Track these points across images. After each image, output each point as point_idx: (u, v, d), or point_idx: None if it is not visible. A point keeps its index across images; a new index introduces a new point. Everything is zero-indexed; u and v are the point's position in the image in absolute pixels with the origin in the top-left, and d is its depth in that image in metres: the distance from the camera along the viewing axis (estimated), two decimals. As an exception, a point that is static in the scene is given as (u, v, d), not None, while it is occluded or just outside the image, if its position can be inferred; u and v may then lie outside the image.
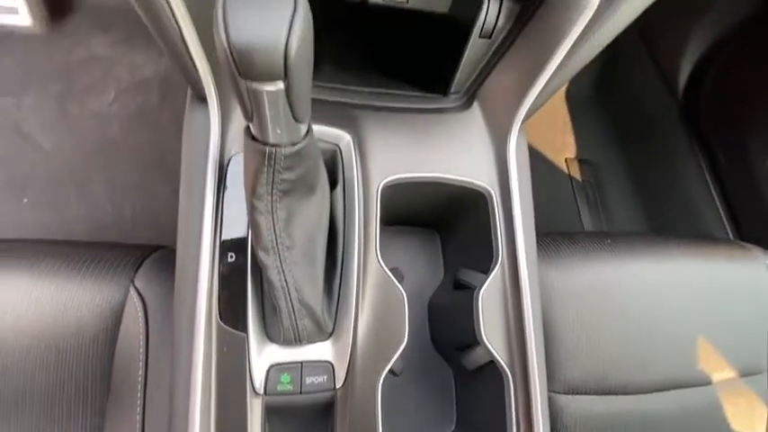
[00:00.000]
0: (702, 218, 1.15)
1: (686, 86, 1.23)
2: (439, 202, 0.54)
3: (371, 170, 0.46)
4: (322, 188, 0.39)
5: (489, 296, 0.46)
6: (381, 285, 0.43)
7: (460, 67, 0.50)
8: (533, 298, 0.46)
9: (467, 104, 0.52)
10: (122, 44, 1.13)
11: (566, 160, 1.39)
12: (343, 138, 0.47)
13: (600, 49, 0.45)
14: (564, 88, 1.44)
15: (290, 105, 0.27)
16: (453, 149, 0.50)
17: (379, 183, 0.46)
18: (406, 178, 0.48)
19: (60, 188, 0.97)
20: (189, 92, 0.44)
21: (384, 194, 0.47)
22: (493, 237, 0.48)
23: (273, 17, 0.23)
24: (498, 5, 0.45)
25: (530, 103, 0.47)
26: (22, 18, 1.08)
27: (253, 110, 0.27)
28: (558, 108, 1.43)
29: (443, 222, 0.60)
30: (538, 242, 0.52)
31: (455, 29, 0.50)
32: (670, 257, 0.68)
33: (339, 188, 0.45)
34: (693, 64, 1.21)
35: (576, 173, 1.37)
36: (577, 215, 1.29)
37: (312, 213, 0.38)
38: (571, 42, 0.43)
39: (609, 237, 0.69)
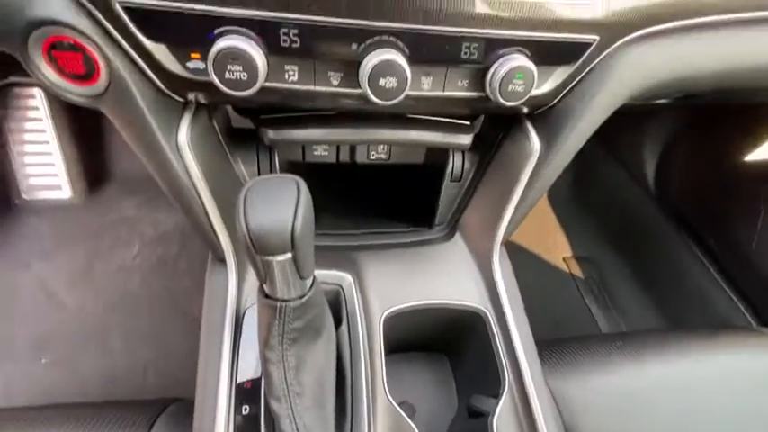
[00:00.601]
0: (713, 303, 1.14)
1: (656, 178, 1.35)
2: (440, 327, 0.57)
3: (372, 304, 0.51)
4: (328, 331, 0.43)
5: (503, 423, 0.46)
6: (392, 425, 0.44)
7: (439, 206, 0.58)
8: (547, 418, 0.46)
9: (450, 234, 0.60)
10: (147, 204, 1.28)
11: (564, 259, 1.43)
12: (345, 278, 0.52)
13: (554, 178, 0.54)
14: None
15: (297, 269, 0.33)
16: (444, 276, 0.55)
17: (380, 315, 0.50)
18: (405, 308, 0.52)
19: (79, 346, 1.00)
20: (210, 255, 0.51)
21: (387, 325, 0.50)
22: (496, 358, 0.50)
23: (282, 206, 0.30)
24: (462, 156, 0.56)
25: (503, 228, 0.54)
26: (64, 192, 1.25)
27: (266, 274, 0.33)
28: (545, 210, 1.54)
29: (449, 345, 0.62)
30: (550, 351, 0.53)
31: (431, 174, 0.60)
32: (689, 354, 0.67)
33: (344, 325, 0.49)
34: (656, 157, 1.35)
35: (576, 271, 1.40)
36: (588, 314, 1.28)
37: (320, 357, 0.41)
38: (526, 178, 0.52)
39: (622, 338, 0.69)
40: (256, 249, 0.30)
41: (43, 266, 1.13)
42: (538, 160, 0.49)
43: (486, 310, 0.53)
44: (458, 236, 0.59)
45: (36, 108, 1.16)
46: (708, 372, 0.65)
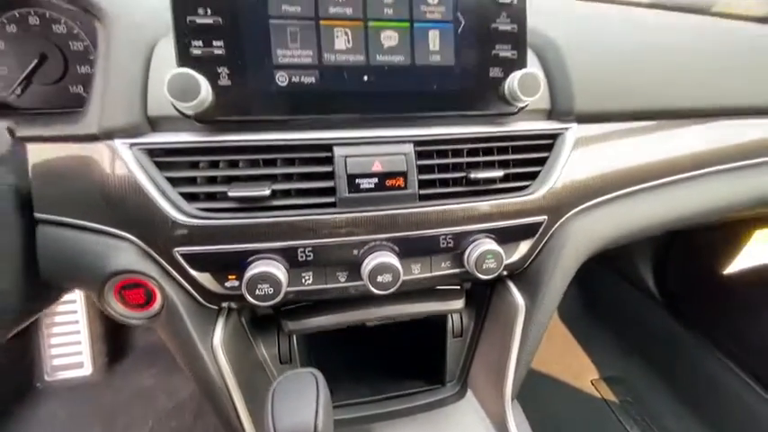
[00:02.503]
0: (751, 406, 1.06)
1: (656, 284, 1.38)
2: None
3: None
4: None
5: None
6: None
7: (447, 361, 0.62)
8: None
9: (462, 392, 0.62)
10: (165, 372, 1.29)
11: (592, 383, 1.36)
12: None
13: (545, 326, 0.59)
14: (556, 315, 1.57)
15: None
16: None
17: None
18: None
19: None
20: None
21: None
22: None
23: (304, 406, 0.35)
24: (459, 315, 0.62)
25: (510, 384, 0.57)
26: (85, 369, 1.28)
27: None
28: (563, 333, 1.52)
29: None
30: None
31: (435, 331, 0.66)
32: None
33: None
34: (651, 263, 1.40)
35: (609, 395, 1.32)
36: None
37: None
38: (519, 330, 0.57)
39: None
40: None
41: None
42: (525, 315, 0.56)
43: None
44: (470, 393, 0.61)
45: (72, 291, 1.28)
46: None
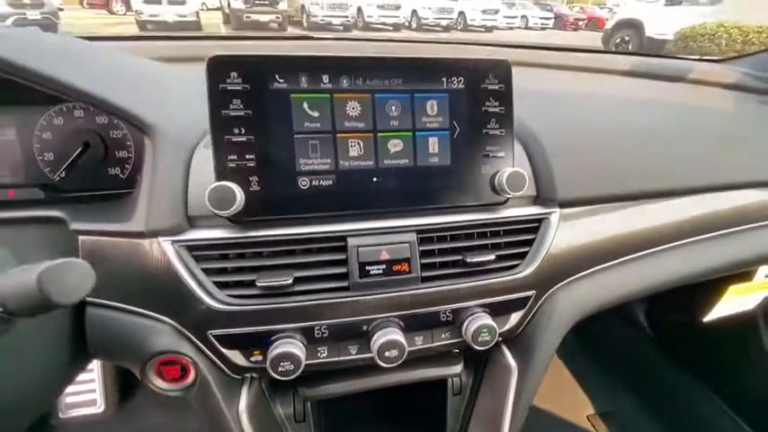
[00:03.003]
0: None
1: (648, 322, 1.44)
2: None
3: None
4: None
5: None
6: None
7: (447, 417, 0.68)
8: None
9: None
10: (174, 411, 1.34)
11: (588, 418, 1.40)
12: None
13: (537, 387, 0.64)
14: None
15: None
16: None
17: None
18: None
19: None
20: None
21: None
22: None
23: None
24: (459, 376, 0.68)
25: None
26: (98, 407, 1.32)
27: None
28: (558, 369, 1.57)
29: None
30: None
31: (437, 391, 0.71)
32: None
33: None
34: (644, 304, 1.46)
35: (603, 430, 1.36)
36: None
37: None
38: (513, 391, 0.63)
39: None
40: None
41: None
42: (518, 376, 0.62)
43: None
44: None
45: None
46: None
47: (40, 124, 0.63)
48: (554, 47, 1.02)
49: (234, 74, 0.46)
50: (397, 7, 13.45)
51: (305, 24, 12.59)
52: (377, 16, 13.13)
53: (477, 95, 0.54)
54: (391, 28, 13.78)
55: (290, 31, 12.28)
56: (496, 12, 15.56)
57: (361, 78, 0.50)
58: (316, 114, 0.49)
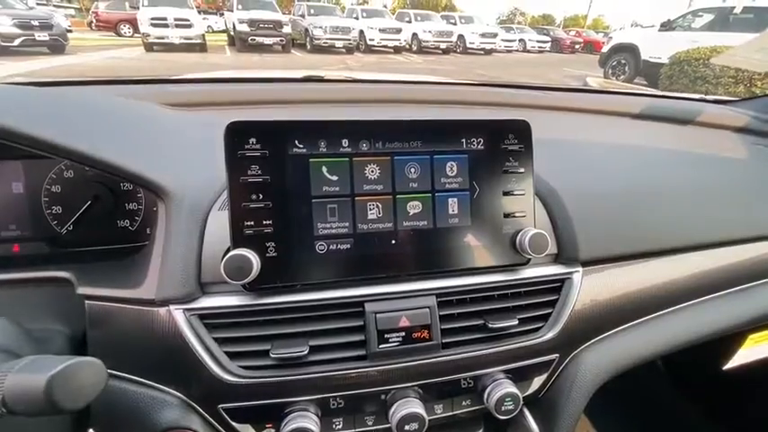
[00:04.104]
0: None
1: (665, 365, 1.40)
2: None
3: None
4: None
5: None
6: None
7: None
8: None
9: None
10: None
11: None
12: None
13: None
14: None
15: None
16: None
17: None
18: None
19: None
20: None
21: None
22: None
23: None
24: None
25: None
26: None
27: None
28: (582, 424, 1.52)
29: None
30: None
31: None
32: None
33: None
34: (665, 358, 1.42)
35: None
36: None
37: None
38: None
39: None
40: None
41: None
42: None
43: None
44: None
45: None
46: None
47: (50, 177, 0.61)
48: (569, 88, 1.02)
49: (252, 140, 0.45)
50: (398, 30, 13.77)
51: (308, 47, 12.86)
52: (378, 39, 13.43)
53: (496, 156, 0.53)
54: (392, 50, 14.07)
55: (293, 53, 12.55)
56: (495, 35, 15.94)
57: (380, 142, 0.49)
58: (335, 178, 0.48)
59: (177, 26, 11.08)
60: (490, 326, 0.52)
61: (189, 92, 0.85)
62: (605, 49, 9.96)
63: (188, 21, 11.21)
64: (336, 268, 0.49)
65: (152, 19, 10.86)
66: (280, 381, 0.47)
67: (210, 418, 0.48)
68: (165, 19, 10.92)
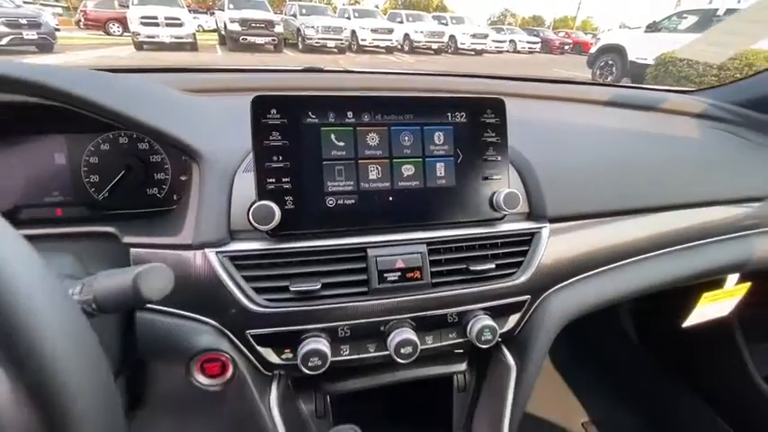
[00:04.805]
0: None
1: (637, 334, 1.52)
2: None
3: None
4: None
5: None
6: None
7: (454, 411, 0.75)
8: None
9: (466, 440, 0.74)
10: (179, 420, 1.36)
11: (583, 425, 1.46)
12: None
13: (533, 383, 0.72)
14: (549, 361, 1.69)
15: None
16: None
17: None
18: None
19: None
20: None
21: None
22: None
23: None
24: (463, 374, 0.75)
25: (506, 427, 0.69)
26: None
27: None
28: (554, 378, 1.64)
29: None
30: None
31: (444, 388, 0.78)
32: None
33: None
34: (631, 316, 1.55)
35: (599, 437, 1.43)
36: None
37: None
38: (512, 387, 0.70)
39: None
40: None
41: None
42: (516, 374, 0.69)
43: None
44: (473, 440, 0.73)
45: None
46: None
47: (89, 150, 0.70)
48: (544, 79, 1.13)
49: (273, 110, 0.55)
50: (390, 31, 13.89)
51: (300, 47, 12.91)
52: (370, 39, 13.53)
53: (476, 127, 0.63)
54: (384, 51, 14.18)
55: (286, 52, 12.58)
56: (486, 36, 16.15)
57: (379, 114, 0.59)
58: (341, 144, 0.58)
59: (168, 25, 11.04)
60: (471, 269, 0.62)
61: (204, 80, 0.94)
62: (593, 50, 10.17)
63: (179, 19, 11.18)
64: (343, 219, 0.59)
65: (142, 18, 10.80)
66: (297, 311, 0.57)
67: (239, 343, 0.57)
68: (155, 18, 10.88)
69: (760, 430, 1.18)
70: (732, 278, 0.95)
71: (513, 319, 0.68)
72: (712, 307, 0.99)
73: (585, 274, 0.72)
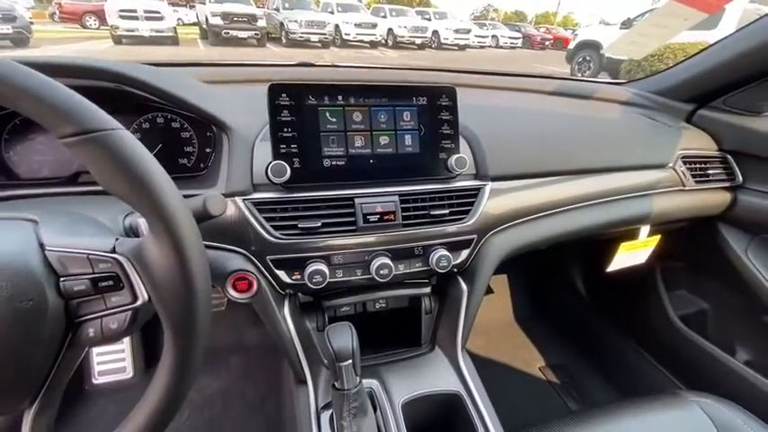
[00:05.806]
0: (652, 377, 1.46)
1: (585, 289, 1.79)
2: (435, 409, 0.89)
3: (393, 396, 0.84)
4: (370, 413, 0.75)
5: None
6: None
7: (422, 330, 0.97)
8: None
9: (431, 348, 0.97)
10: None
11: (539, 369, 1.72)
12: (374, 383, 0.87)
13: (479, 303, 0.95)
14: (512, 315, 1.94)
15: (354, 369, 0.69)
16: (433, 376, 0.90)
17: (399, 402, 0.83)
18: (413, 396, 0.85)
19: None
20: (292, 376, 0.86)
21: (404, 409, 0.82)
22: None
23: (346, 338, 0.69)
24: (429, 299, 0.98)
25: (460, 337, 0.92)
26: (127, 373, 1.53)
27: (338, 374, 0.69)
28: (516, 332, 1.89)
29: (446, 423, 0.92)
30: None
31: (414, 313, 1.01)
32: (628, 418, 0.91)
33: (378, 411, 0.81)
34: (580, 273, 1.82)
35: (552, 377, 1.68)
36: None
37: (370, 427, 0.73)
38: (464, 306, 0.93)
39: (579, 414, 0.96)
40: (336, 358, 0.68)
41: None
42: (467, 296, 0.92)
43: (461, 392, 0.86)
44: (437, 349, 0.96)
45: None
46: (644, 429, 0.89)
47: (132, 128, 0.89)
48: (492, 72, 1.36)
49: (284, 94, 0.76)
50: (374, 25, 14.00)
51: (284, 41, 12.92)
52: (354, 34, 13.62)
53: (434, 108, 0.85)
54: (368, 45, 14.30)
55: (269, 47, 12.56)
56: (469, 31, 16.42)
57: (362, 98, 0.80)
58: (334, 120, 0.79)
59: (147, 18, 10.88)
60: (432, 214, 0.84)
61: (212, 72, 1.13)
62: (572, 45, 10.50)
63: (159, 13, 11.04)
64: (337, 176, 0.80)
65: (120, 11, 10.62)
66: (303, 242, 0.78)
67: (261, 266, 0.78)
68: (134, 11, 10.71)
69: (678, 362, 1.45)
70: (644, 231, 1.20)
71: (464, 254, 0.90)
72: (630, 255, 1.24)
73: (520, 220, 0.95)
